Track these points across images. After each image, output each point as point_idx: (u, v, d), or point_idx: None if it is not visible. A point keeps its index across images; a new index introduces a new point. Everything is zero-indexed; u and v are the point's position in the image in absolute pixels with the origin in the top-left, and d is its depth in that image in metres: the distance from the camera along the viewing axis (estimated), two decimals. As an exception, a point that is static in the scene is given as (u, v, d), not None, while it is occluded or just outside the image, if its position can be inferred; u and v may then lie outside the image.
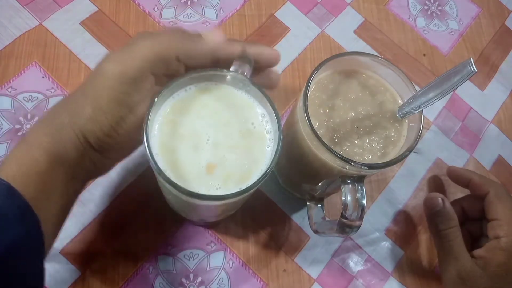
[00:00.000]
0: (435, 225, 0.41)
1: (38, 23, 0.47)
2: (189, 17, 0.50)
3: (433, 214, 0.41)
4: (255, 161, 0.30)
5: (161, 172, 0.26)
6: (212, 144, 0.30)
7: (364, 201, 0.31)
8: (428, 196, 0.43)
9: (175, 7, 0.50)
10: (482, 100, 0.53)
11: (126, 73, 0.27)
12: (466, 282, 0.38)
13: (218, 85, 0.31)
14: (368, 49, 0.53)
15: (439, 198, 0.41)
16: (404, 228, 0.46)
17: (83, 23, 0.47)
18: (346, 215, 0.31)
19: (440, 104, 0.52)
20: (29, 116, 0.43)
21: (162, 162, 0.28)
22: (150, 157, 0.26)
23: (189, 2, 0.51)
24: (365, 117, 0.34)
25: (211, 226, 0.42)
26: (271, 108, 0.30)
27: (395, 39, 0.54)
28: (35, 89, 0.44)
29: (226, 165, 0.30)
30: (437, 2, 0.57)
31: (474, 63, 0.27)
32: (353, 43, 0.52)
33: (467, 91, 0.53)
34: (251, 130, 0.31)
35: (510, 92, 0.54)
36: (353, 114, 0.34)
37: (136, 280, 0.39)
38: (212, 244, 0.42)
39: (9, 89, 0.43)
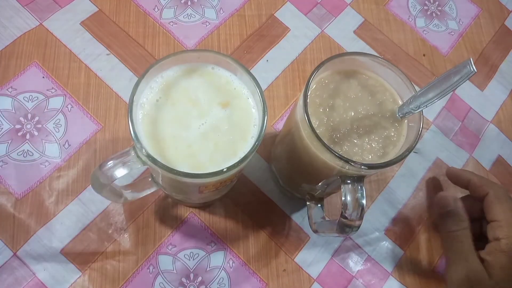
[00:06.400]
0: (445, 225, 0.41)
1: (39, 23, 0.47)
2: (189, 17, 0.50)
3: (444, 214, 0.41)
4: (241, 139, 0.31)
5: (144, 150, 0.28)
6: (198, 125, 0.31)
7: (364, 201, 0.31)
8: (439, 194, 0.42)
9: (175, 7, 0.50)
10: (481, 100, 0.53)
11: None
12: (473, 284, 0.37)
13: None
14: (368, 49, 0.53)
15: (452, 198, 0.41)
16: (404, 228, 0.46)
17: (83, 23, 0.47)
18: (346, 215, 0.31)
19: (439, 104, 0.52)
20: (29, 116, 0.43)
21: (147, 146, 0.30)
22: (135, 140, 0.28)
23: (189, 2, 0.51)
24: (365, 117, 0.34)
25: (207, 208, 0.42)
26: (255, 88, 0.30)
27: (395, 39, 0.54)
28: (36, 89, 0.44)
29: (210, 145, 0.30)
30: (436, 2, 0.58)
31: (473, 63, 0.27)
32: (353, 43, 0.52)
33: (466, 91, 0.53)
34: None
35: (510, 92, 0.54)
36: (353, 114, 0.34)
37: (136, 280, 0.39)
38: (212, 244, 0.42)
39: (10, 89, 0.43)
